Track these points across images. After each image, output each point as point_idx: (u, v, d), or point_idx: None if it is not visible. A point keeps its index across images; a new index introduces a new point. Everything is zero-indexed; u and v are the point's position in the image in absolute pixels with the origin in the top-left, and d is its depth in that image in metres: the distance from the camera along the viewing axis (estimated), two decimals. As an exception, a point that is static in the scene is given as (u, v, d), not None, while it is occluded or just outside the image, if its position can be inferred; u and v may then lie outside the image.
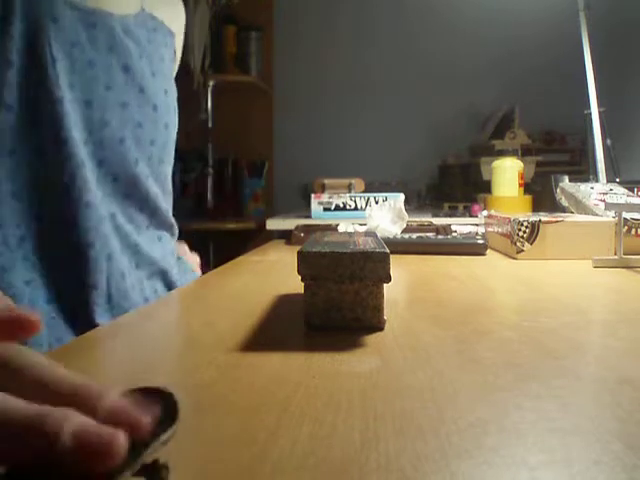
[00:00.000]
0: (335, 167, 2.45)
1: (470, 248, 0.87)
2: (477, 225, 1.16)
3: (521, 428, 0.24)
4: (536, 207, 1.73)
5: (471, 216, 1.82)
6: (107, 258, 0.60)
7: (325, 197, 1.76)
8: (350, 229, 1.00)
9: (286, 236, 1.15)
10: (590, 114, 1.52)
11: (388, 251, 0.40)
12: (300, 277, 0.40)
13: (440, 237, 0.95)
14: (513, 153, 1.98)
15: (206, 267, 0.96)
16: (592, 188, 1.03)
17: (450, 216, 1.82)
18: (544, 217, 0.85)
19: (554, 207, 1.17)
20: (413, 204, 2.41)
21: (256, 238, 1.87)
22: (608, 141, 1.74)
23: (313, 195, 1.78)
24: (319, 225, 1.18)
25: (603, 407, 0.27)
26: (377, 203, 1.29)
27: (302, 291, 0.41)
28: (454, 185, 2.34)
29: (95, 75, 0.59)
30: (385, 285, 0.40)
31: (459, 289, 0.61)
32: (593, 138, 1.52)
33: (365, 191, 1.93)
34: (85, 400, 0.19)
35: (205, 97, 2.28)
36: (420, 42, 2.61)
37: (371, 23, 2.63)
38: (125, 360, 0.36)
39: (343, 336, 0.39)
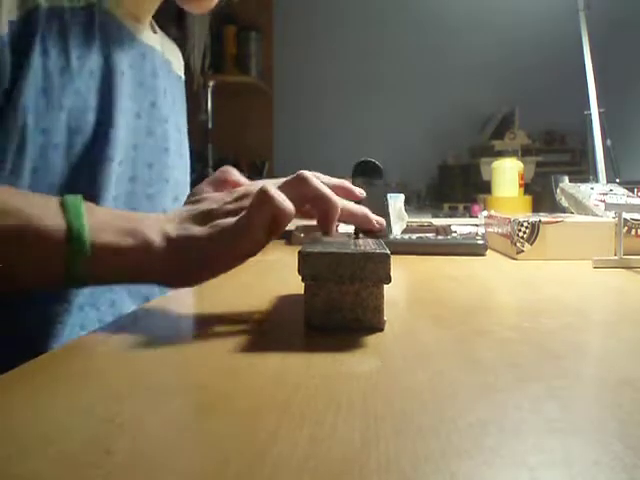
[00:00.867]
0: (335, 167, 2.45)
1: (470, 249, 0.87)
2: (477, 225, 1.17)
3: (521, 428, 0.24)
4: (536, 207, 1.73)
5: (471, 216, 1.82)
6: None
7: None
8: (350, 230, 1.00)
9: (286, 236, 1.14)
10: (590, 114, 1.52)
11: (389, 252, 0.40)
12: (300, 277, 0.40)
13: (440, 238, 0.95)
14: (513, 153, 1.98)
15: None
16: (592, 188, 1.03)
17: (450, 217, 1.83)
18: (544, 217, 0.85)
19: (554, 207, 1.17)
20: (413, 205, 2.41)
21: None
22: (608, 141, 1.75)
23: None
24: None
25: (603, 408, 0.27)
26: (377, 203, 1.29)
27: (302, 291, 0.41)
28: (454, 186, 2.34)
29: (143, 92, 0.69)
30: (385, 286, 0.40)
31: (459, 289, 0.61)
32: (593, 138, 1.52)
33: (365, 191, 1.93)
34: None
35: (205, 98, 2.28)
36: (420, 43, 2.61)
37: (371, 23, 2.63)
38: (125, 360, 0.36)
39: (343, 337, 0.39)
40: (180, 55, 0.89)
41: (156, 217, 0.46)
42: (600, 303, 0.56)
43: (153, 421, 0.25)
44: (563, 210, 1.07)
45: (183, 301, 0.57)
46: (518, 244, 0.82)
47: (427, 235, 0.98)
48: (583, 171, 2.10)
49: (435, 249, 0.88)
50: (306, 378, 0.31)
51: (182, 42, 0.88)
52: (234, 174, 0.51)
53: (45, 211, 0.42)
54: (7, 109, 0.54)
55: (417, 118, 2.61)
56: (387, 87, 2.63)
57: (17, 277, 0.42)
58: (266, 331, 0.42)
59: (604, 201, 0.96)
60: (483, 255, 0.86)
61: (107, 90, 0.62)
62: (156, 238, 0.43)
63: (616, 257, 0.74)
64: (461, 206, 2.07)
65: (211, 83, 2.26)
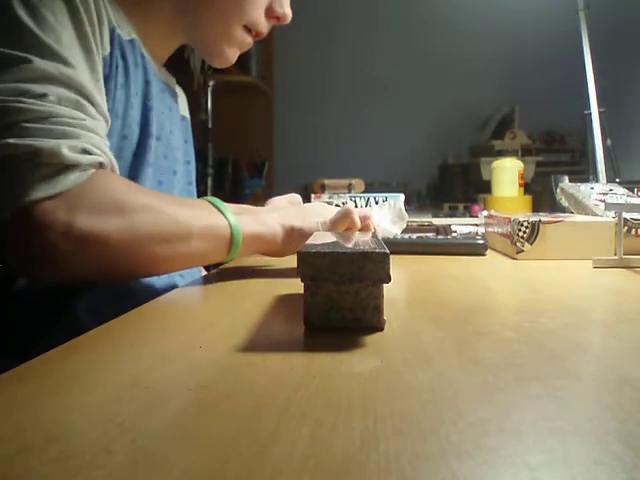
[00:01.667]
0: (335, 167, 2.45)
1: (470, 248, 0.87)
2: (477, 225, 1.17)
3: (521, 428, 0.24)
4: (536, 207, 1.73)
5: (471, 216, 1.82)
6: None
7: (325, 197, 1.76)
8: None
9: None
10: (590, 114, 1.52)
11: (388, 251, 0.40)
12: (300, 277, 0.40)
13: (440, 237, 0.95)
14: (513, 153, 1.98)
15: (205, 267, 0.96)
16: (592, 188, 1.03)
17: (450, 216, 1.82)
18: (544, 217, 0.85)
19: (554, 207, 1.17)
20: (413, 204, 2.41)
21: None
22: (608, 141, 1.75)
23: (313, 195, 1.78)
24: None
25: (603, 407, 0.27)
26: (377, 203, 1.29)
27: (302, 291, 0.41)
28: (454, 185, 2.34)
29: (163, 120, 0.77)
30: (385, 285, 0.40)
31: (459, 289, 0.61)
32: (593, 138, 1.52)
33: (365, 191, 1.93)
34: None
35: (205, 97, 2.28)
36: (421, 43, 2.61)
37: (371, 23, 2.63)
38: (125, 359, 0.36)
39: (343, 336, 0.39)
40: (185, 97, 0.96)
41: (263, 210, 0.70)
42: (600, 303, 0.56)
43: (153, 421, 0.25)
44: (563, 210, 1.07)
45: (183, 301, 0.57)
46: (518, 244, 0.82)
47: (427, 235, 0.98)
48: (583, 171, 2.09)
49: (435, 249, 0.88)
50: (306, 378, 0.31)
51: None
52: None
53: (211, 214, 0.59)
54: None
55: (417, 118, 2.61)
56: (387, 87, 2.63)
57: (198, 263, 0.63)
58: (266, 331, 0.42)
59: (604, 201, 0.96)
60: (483, 255, 0.86)
61: (146, 108, 0.71)
62: (277, 226, 0.64)
63: (616, 257, 0.74)
64: (461, 206, 2.07)
65: (211, 83, 2.26)
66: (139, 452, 0.22)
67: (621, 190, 1.02)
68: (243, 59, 2.39)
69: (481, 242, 0.87)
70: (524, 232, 0.82)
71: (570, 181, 1.21)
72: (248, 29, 0.77)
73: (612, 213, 0.85)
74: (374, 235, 0.54)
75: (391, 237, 0.92)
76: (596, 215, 0.93)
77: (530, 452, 0.22)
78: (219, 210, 0.60)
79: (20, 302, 0.61)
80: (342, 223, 0.66)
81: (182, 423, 0.25)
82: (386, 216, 0.97)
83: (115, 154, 0.64)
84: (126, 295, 0.64)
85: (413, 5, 2.59)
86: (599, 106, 1.52)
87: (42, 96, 0.52)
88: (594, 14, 1.53)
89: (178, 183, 0.82)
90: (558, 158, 2.37)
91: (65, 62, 0.55)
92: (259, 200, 2.46)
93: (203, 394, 0.29)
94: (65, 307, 0.61)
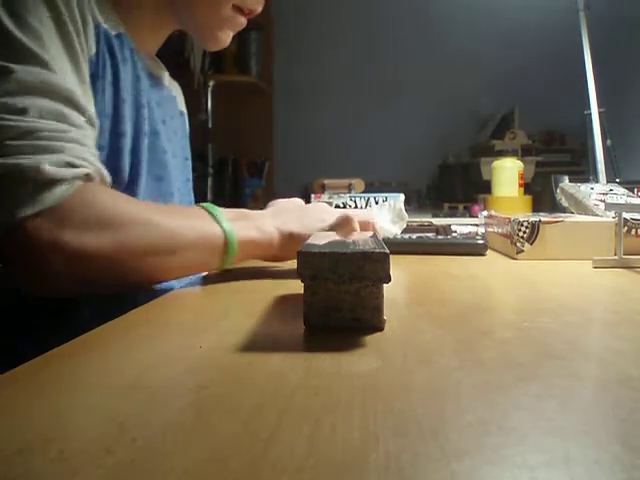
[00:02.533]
0: (335, 167, 2.45)
1: (470, 248, 0.87)
2: (477, 225, 1.17)
3: (521, 428, 0.24)
4: (536, 207, 1.73)
5: (471, 216, 1.82)
6: None
7: (325, 197, 1.76)
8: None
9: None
10: (590, 114, 1.52)
11: (388, 251, 0.40)
12: (300, 277, 0.40)
13: (440, 237, 0.95)
14: (513, 153, 1.98)
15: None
16: (592, 188, 1.03)
17: (450, 216, 1.82)
18: (544, 217, 0.85)
19: (554, 207, 1.17)
20: (413, 204, 2.41)
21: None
22: (608, 141, 1.74)
23: (313, 195, 1.78)
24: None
25: (603, 407, 0.27)
26: (377, 203, 1.29)
27: (302, 291, 0.41)
28: (454, 185, 2.34)
29: (153, 120, 0.74)
30: (385, 285, 0.40)
31: (459, 289, 0.61)
32: (593, 138, 1.52)
33: (365, 191, 1.93)
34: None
35: (205, 97, 2.28)
36: (421, 42, 2.61)
37: (371, 23, 2.63)
38: (125, 359, 0.36)
39: (343, 336, 0.39)
40: (180, 90, 0.94)
41: (260, 214, 0.65)
42: (600, 303, 0.56)
43: (153, 421, 0.25)
44: (563, 210, 1.07)
45: (183, 301, 0.57)
46: (518, 244, 0.82)
47: (427, 235, 0.98)
48: (583, 171, 2.09)
49: (435, 249, 0.88)
50: (306, 378, 0.31)
51: (182, 42, 0.90)
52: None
53: (204, 222, 0.58)
54: None
55: (417, 117, 2.61)
56: (387, 87, 2.63)
57: (190, 273, 0.62)
58: (266, 331, 0.42)
59: (604, 201, 0.96)
60: (483, 255, 0.86)
61: (138, 104, 0.69)
62: (274, 232, 0.62)
63: (616, 257, 0.74)
64: (461, 206, 2.07)
65: (211, 83, 2.26)
66: (139, 452, 0.22)
67: (621, 190, 1.02)
68: (243, 59, 2.40)
69: (481, 242, 0.87)
70: (524, 232, 0.82)
71: (570, 181, 1.21)
72: (239, 8, 0.74)
73: (612, 213, 0.85)
74: (374, 235, 0.54)
75: (391, 237, 0.92)
76: (596, 215, 0.93)
77: (530, 452, 0.22)
78: (213, 217, 0.58)
79: (21, 303, 0.61)
80: (341, 230, 0.64)
81: (182, 423, 0.25)
82: (386, 216, 0.97)
83: (111, 153, 0.64)
84: (127, 297, 0.64)
85: (413, 5, 2.59)
86: (599, 106, 1.52)
87: (22, 111, 0.51)
88: (594, 14, 1.53)
89: (176, 180, 0.81)
90: (558, 158, 2.37)
91: (48, 67, 0.54)
92: (259, 200, 2.46)
93: (203, 394, 0.29)
94: (68, 309, 0.61)
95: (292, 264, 0.40)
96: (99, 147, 0.62)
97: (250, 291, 0.59)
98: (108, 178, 0.58)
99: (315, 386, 0.29)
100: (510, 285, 0.66)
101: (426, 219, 1.38)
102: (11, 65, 0.52)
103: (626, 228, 0.80)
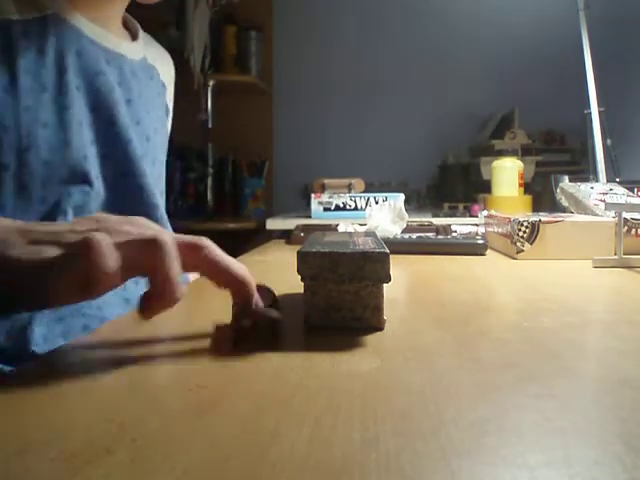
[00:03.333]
0: (335, 167, 2.45)
1: (470, 248, 0.87)
2: (477, 225, 1.16)
3: (521, 428, 0.24)
4: (536, 207, 1.73)
5: (471, 216, 1.82)
6: None
7: (325, 197, 1.76)
8: (350, 229, 1.00)
9: (286, 236, 1.15)
10: (590, 114, 1.52)
11: (388, 251, 0.40)
12: (300, 277, 0.40)
13: (440, 237, 0.95)
14: (513, 153, 1.98)
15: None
16: (592, 188, 1.03)
17: (450, 216, 1.82)
18: (544, 217, 0.85)
19: (554, 207, 1.17)
20: (413, 204, 2.41)
21: (256, 238, 1.87)
22: (608, 141, 1.74)
23: (313, 195, 1.78)
24: (319, 225, 1.18)
25: (603, 407, 0.27)
26: (377, 203, 1.29)
27: (302, 291, 0.41)
28: (454, 185, 2.34)
29: (106, 102, 0.66)
30: (385, 285, 0.40)
31: (459, 289, 0.61)
32: (593, 138, 1.52)
33: (365, 191, 1.93)
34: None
35: (205, 97, 2.27)
36: (420, 42, 2.61)
37: (371, 24, 2.63)
38: (126, 359, 0.36)
39: (343, 336, 0.39)
40: (171, 63, 0.86)
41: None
42: (600, 303, 0.56)
43: (153, 421, 0.25)
44: (563, 210, 1.07)
45: (183, 301, 0.57)
46: (518, 244, 0.82)
47: (427, 234, 0.98)
48: (583, 170, 2.09)
49: (435, 248, 0.88)
50: (306, 378, 0.31)
51: (182, 42, 0.88)
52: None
53: None
54: None
55: (417, 118, 2.61)
56: (387, 87, 2.63)
57: None
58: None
59: (604, 201, 0.96)
60: (483, 255, 0.86)
61: (63, 106, 0.60)
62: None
63: (616, 257, 0.74)
64: (461, 205, 2.07)
65: (211, 82, 2.26)
66: (139, 452, 0.22)
67: (621, 190, 1.02)
68: (243, 59, 2.40)
69: (481, 242, 0.87)
70: (524, 232, 0.82)
71: (570, 181, 1.21)
72: None
73: (612, 213, 0.85)
74: (374, 235, 0.54)
75: (391, 237, 0.92)
76: (596, 215, 0.93)
77: (530, 452, 0.22)
78: None
79: None
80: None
81: (182, 423, 0.25)
82: (386, 216, 0.97)
83: (18, 171, 0.56)
84: (74, 318, 0.59)
85: (413, 5, 2.59)
86: (599, 106, 1.52)
87: None
88: (594, 14, 1.53)
89: (150, 169, 0.72)
90: (558, 158, 2.36)
91: None
92: (259, 200, 2.46)
93: (203, 394, 0.29)
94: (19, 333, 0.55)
95: (293, 262, 0.40)
96: (1, 167, 0.55)
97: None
98: None
99: (315, 386, 0.29)
100: (510, 285, 0.66)
101: (426, 219, 1.39)
102: None
103: (626, 228, 0.80)
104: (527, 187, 1.85)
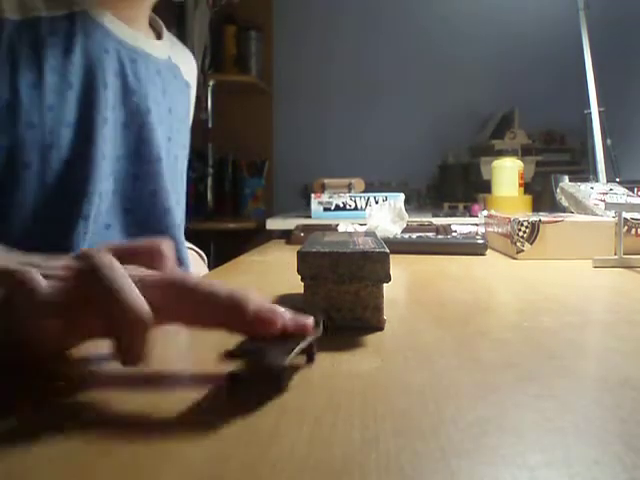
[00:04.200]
0: (335, 167, 2.45)
1: (470, 248, 0.87)
2: (477, 225, 1.16)
3: (521, 428, 0.24)
4: (536, 207, 1.73)
5: (471, 216, 1.82)
6: None
7: (325, 197, 1.76)
8: (350, 229, 1.00)
9: (286, 236, 1.15)
10: (590, 114, 1.52)
11: (388, 251, 0.40)
12: (300, 277, 0.40)
13: (440, 237, 0.95)
14: (513, 153, 1.98)
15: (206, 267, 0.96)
16: (592, 188, 1.03)
17: (450, 216, 1.82)
18: (544, 217, 0.85)
19: (554, 207, 1.17)
20: (413, 204, 2.41)
21: (256, 238, 1.87)
22: (608, 141, 1.74)
23: (313, 195, 1.78)
24: (319, 225, 1.18)
25: (603, 407, 0.27)
26: (377, 203, 1.29)
27: (302, 291, 0.41)
28: (454, 185, 2.34)
29: (130, 100, 0.66)
30: (385, 285, 0.40)
31: (459, 289, 0.61)
32: (593, 138, 1.52)
33: (365, 191, 1.93)
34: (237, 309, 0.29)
35: (205, 97, 2.27)
36: (420, 42, 2.61)
37: (371, 24, 2.63)
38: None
39: (343, 336, 0.39)
40: (193, 62, 0.87)
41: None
42: (600, 303, 0.56)
43: (153, 421, 0.25)
44: (563, 209, 1.07)
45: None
46: (518, 243, 0.82)
47: (427, 234, 0.98)
48: (583, 170, 2.09)
49: (435, 248, 0.88)
50: (306, 378, 0.31)
51: (182, 42, 0.88)
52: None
53: None
54: None
55: (417, 117, 2.61)
56: (387, 86, 2.63)
57: None
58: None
59: (604, 200, 0.96)
60: (483, 254, 0.86)
61: (88, 104, 0.60)
62: None
63: (616, 256, 0.74)
64: (461, 205, 2.07)
65: (211, 82, 2.26)
66: (139, 452, 0.22)
67: (621, 190, 1.02)
68: (243, 59, 2.40)
69: (481, 242, 0.87)
70: (524, 232, 0.82)
71: (570, 181, 1.21)
72: None
73: (612, 213, 0.85)
74: (374, 235, 0.54)
75: (391, 237, 0.92)
76: (596, 215, 0.93)
77: (530, 452, 0.22)
78: None
79: None
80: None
81: (182, 423, 0.25)
82: (386, 216, 0.97)
83: (40, 169, 0.56)
84: None
85: (413, 5, 2.59)
86: (599, 106, 1.52)
87: None
88: (594, 13, 1.53)
89: (168, 169, 0.71)
90: (558, 158, 2.36)
91: None
92: (259, 200, 2.46)
93: (204, 394, 0.29)
94: None
95: (293, 262, 0.40)
96: (23, 165, 0.55)
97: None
98: None
99: (315, 386, 0.29)
100: (510, 285, 0.66)
101: (426, 219, 1.39)
102: None
103: (626, 228, 0.80)
104: (527, 187, 1.85)
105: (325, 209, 1.74)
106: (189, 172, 0.85)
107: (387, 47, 2.63)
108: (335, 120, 2.65)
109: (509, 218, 0.86)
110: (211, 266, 0.93)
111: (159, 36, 0.76)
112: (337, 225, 1.05)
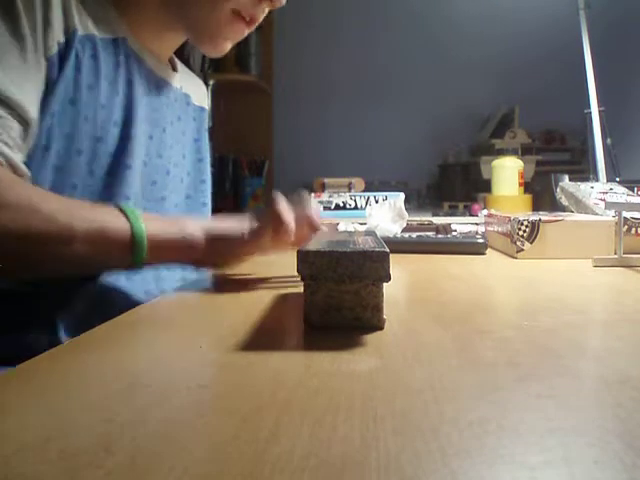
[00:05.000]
0: (335, 166, 2.45)
1: (470, 247, 0.87)
2: (477, 224, 1.16)
3: (521, 428, 0.24)
4: (536, 206, 1.73)
5: (471, 215, 1.82)
6: None
7: (325, 196, 1.76)
8: (350, 228, 1.00)
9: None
10: (590, 113, 1.52)
11: (388, 250, 0.40)
12: (300, 276, 0.40)
13: (440, 236, 0.95)
14: (513, 152, 1.98)
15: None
16: (592, 187, 1.03)
17: (450, 215, 1.82)
18: (544, 216, 0.85)
19: (554, 206, 1.17)
20: (413, 203, 2.41)
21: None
22: (608, 140, 1.74)
23: (313, 194, 1.78)
24: (319, 224, 1.18)
25: (603, 407, 0.27)
26: (377, 202, 1.29)
27: (302, 291, 0.41)
28: (454, 184, 2.34)
29: (156, 117, 0.77)
30: (385, 284, 0.40)
31: (459, 288, 0.61)
32: (593, 137, 1.52)
33: (365, 190, 1.93)
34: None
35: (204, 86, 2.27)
36: (421, 42, 2.61)
37: (371, 23, 2.63)
38: (126, 359, 0.36)
39: (343, 336, 0.39)
40: (202, 87, 0.97)
41: (189, 218, 0.63)
42: (600, 302, 0.56)
43: (153, 420, 0.25)
44: (563, 209, 1.07)
45: (183, 301, 0.57)
46: (518, 243, 0.82)
47: (427, 234, 0.98)
48: (583, 170, 2.09)
49: (435, 248, 0.88)
50: (306, 377, 0.31)
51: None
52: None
53: (111, 217, 0.55)
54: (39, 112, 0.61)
55: (417, 117, 2.61)
56: (387, 86, 2.62)
57: (92, 267, 0.60)
58: (266, 330, 0.42)
59: (604, 200, 0.96)
60: (483, 254, 0.86)
61: (129, 109, 0.70)
62: (197, 232, 0.59)
63: (616, 256, 0.74)
64: (461, 205, 2.06)
65: (211, 82, 2.26)
66: (139, 452, 0.22)
67: (621, 189, 1.02)
68: (243, 59, 2.40)
69: (481, 241, 0.87)
70: (524, 231, 0.82)
71: (570, 180, 1.21)
72: (239, 14, 0.74)
73: (612, 212, 0.85)
74: (374, 234, 0.54)
75: (391, 236, 0.92)
76: (596, 214, 0.93)
77: (530, 452, 0.22)
78: (124, 213, 0.56)
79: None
80: (267, 227, 0.60)
81: (182, 423, 0.25)
82: (386, 215, 0.97)
83: (90, 157, 0.65)
84: (100, 310, 0.64)
85: (413, 5, 2.59)
86: (599, 105, 1.52)
87: None
88: (594, 13, 1.53)
89: (172, 182, 0.81)
90: (558, 157, 2.36)
91: None
92: (260, 199, 2.45)
93: (203, 394, 0.29)
94: (45, 323, 0.61)
95: (293, 262, 0.40)
96: (77, 151, 0.64)
97: (250, 291, 0.59)
98: (24, 171, 0.58)
99: (315, 386, 0.29)
100: (510, 284, 0.66)
101: (426, 218, 1.38)
102: None
103: (626, 227, 0.80)
104: (527, 186, 1.85)
105: (325, 208, 1.74)
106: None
107: (387, 47, 2.63)
108: (335, 119, 2.65)
109: (509, 217, 0.86)
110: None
111: (174, 68, 0.86)
112: (337, 224, 1.05)
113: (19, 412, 0.27)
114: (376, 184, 2.34)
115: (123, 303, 0.65)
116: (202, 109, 0.93)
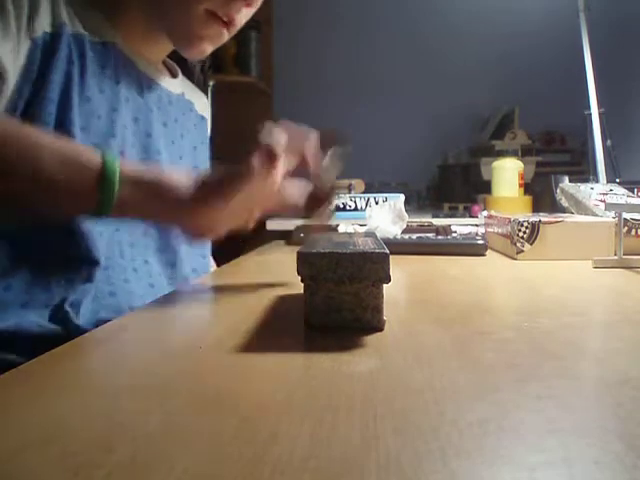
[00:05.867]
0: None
1: (470, 248, 0.87)
2: (477, 225, 1.16)
3: (521, 428, 0.24)
4: (536, 207, 1.73)
5: (471, 216, 1.82)
6: None
7: (325, 197, 1.76)
8: (350, 230, 1.00)
9: (286, 236, 1.15)
10: (590, 114, 1.52)
11: (388, 252, 0.40)
12: (300, 277, 0.40)
13: (440, 238, 0.95)
14: (513, 153, 1.98)
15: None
16: (592, 188, 1.03)
17: (450, 216, 1.82)
18: (544, 217, 0.85)
19: (554, 207, 1.17)
20: (413, 205, 2.41)
21: (256, 238, 1.87)
22: (608, 142, 1.74)
23: (313, 195, 1.77)
24: (319, 225, 1.18)
25: (603, 407, 0.27)
26: (377, 204, 1.29)
27: (302, 291, 0.41)
28: (454, 186, 2.34)
29: (145, 116, 0.76)
30: (385, 285, 0.40)
31: (459, 290, 0.61)
32: (593, 138, 1.52)
33: (365, 192, 1.93)
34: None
35: (205, 97, 2.27)
36: (421, 42, 2.61)
37: (371, 23, 2.63)
38: (125, 359, 0.36)
39: (343, 336, 0.39)
40: (206, 100, 0.99)
41: (175, 169, 0.59)
42: (600, 303, 0.56)
43: (153, 420, 0.25)
44: (563, 210, 1.07)
45: (183, 301, 0.57)
46: (518, 244, 0.82)
47: (427, 235, 0.98)
48: (583, 171, 2.09)
49: (435, 249, 0.88)
50: (306, 378, 0.31)
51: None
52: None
53: (84, 147, 0.53)
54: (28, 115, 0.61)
55: (417, 118, 2.61)
56: (387, 87, 2.63)
57: (57, 198, 0.52)
58: (266, 331, 0.42)
59: (604, 201, 0.96)
60: (483, 255, 0.86)
61: (113, 107, 0.70)
62: (180, 175, 0.54)
63: (616, 257, 0.74)
64: (461, 206, 2.06)
65: (211, 82, 2.26)
66: (139, 451, 0.22)
67: (621, 190, 1.02)
68: (243, 59, 2.40)
69: (481, 242, 0.87)
70: (524, 232, 0.82)
71: (570, 181, 1.21)
72: (214, 14, 0.70)
73: (612, 213, 0.85)
74: (374, 235, 0.54)
75: (391, 237, 0.92)
76: (596, 215, 0.93)
77: (530, 452, 0.22)
78: (101, 152, 0.52)
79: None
80: (252, 161, 0.58)
81: (182, 423, 0.25)
82: (386, 216, 0.97)
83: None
84: (109, 307, 0.64)
85: (413, 5, 2.59)
86: (599, 106, 1.52)
87: None
88: (594, 14, 1.53)
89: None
90: (558, 158, 2.36)
91: None
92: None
93: (203, 394, 0.29)
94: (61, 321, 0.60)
95: (293, 263, 0.40)
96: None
97: (250, 291, 0.59)
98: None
99: (315, 386, 0.29)
100: (510, 285, 0.66)
101: (426, 219, 1.38)
102: None
103: (626, 228, 0.80)
104: (527, 187, 1.85)
105: (325, 209, 1.74)
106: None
107: (387, 47, 2.63)
108: (335, 120, 2.65)
109: (509, 218, 0.86)
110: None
111: (174, 76, 0.86)
112: (337, 226, 1.05)
113: (19, 412, 0.27)
114: (376, 185, 2.34)
115: (124, 304, 0.65)
116: (202, 118, 0.94)
